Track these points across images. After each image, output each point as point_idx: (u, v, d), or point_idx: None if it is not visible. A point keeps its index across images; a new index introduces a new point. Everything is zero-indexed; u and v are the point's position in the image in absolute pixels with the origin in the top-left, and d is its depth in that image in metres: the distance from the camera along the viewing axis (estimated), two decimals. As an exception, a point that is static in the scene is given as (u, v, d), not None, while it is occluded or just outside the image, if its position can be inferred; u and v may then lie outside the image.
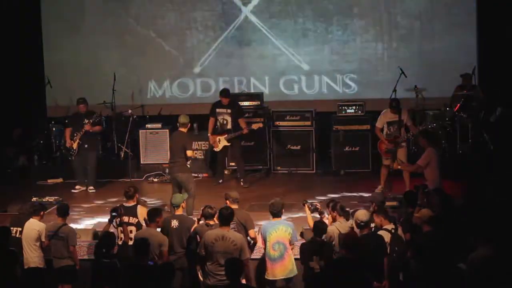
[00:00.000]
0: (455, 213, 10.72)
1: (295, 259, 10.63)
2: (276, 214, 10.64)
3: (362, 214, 10.27)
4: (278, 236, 10.49)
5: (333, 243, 10.40)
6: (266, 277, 10.56)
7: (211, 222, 10.69)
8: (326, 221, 10.86)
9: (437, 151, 12.88)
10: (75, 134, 14.74)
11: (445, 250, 9.70)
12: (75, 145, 14.71)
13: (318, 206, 11.14)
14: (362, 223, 10.18)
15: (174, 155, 12.92)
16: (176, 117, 16.76)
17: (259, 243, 10.70)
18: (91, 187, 14.93)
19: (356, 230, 10.35)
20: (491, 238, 9.21)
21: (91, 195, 14.72)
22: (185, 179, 12.71)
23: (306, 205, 11.14)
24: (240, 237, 10.20)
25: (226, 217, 10.20)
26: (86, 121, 14.72)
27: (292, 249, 10.61)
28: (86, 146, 14.75)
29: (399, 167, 13.16)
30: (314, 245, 10.33)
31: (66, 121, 15.52)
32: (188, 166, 12.93)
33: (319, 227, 10.42)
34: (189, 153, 12.78)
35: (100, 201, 14.22)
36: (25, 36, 17.35)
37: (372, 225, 10.60)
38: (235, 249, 9.96)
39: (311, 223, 10.86)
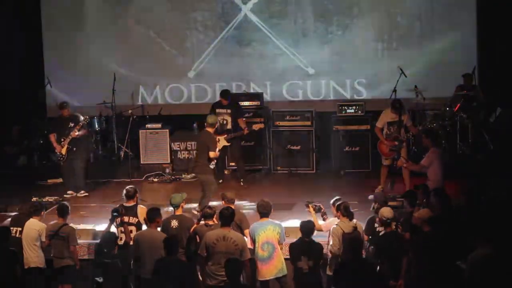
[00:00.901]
0: (454, 213, 10.72)
1: (285, 259, 10.65)
2: (265, 214, 10.64)
3: (387, 211, 10.28)
4: (267, 236, 10.49)
5: (339, 241, 10.42)
6: (257, 277, 10.56)
7: (210, 222, 10.69)
8: (329, 221, 10.85)
9: (441, 151, 12.86)
10: (62, 140, 14.40)
11: (445, 250, 9.71)
12: (64, 151, 14.38)
13: (322, 206, 11.13)
14: (388, 220, 10.19)
15: (198, 155, 13.03)
16: (176, 117, 16.98)
17: (248, 243, 10.68)
18: (82, 192, 14.60)
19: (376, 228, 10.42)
20: (491, 238, 9.21)
21: (91, 195, 14.67)
22: (205, 180, 12.73)
23: (310, 206, 11.12)
24: (241, 237, 10.22)
25: (227, 217, 10.21)
26: (72, 124, 14.36)
27: (281, 248, 10.62)
28: (74, 149, 14.42)
29: (404, 165, 13.11)
30: (303, 245, 10.33)
31: (47, 130, 15.18)
32: (211, 167, 12.90)
33: (307, 226, 10.41)
34: (211, 154, 12.73)
35: (100, 201, 14.19)
36: (25, 36, 17.34)
37: (377, 224, 10.62)
38: (237, 249, 9.97)
39: (317, 224, 10.87)
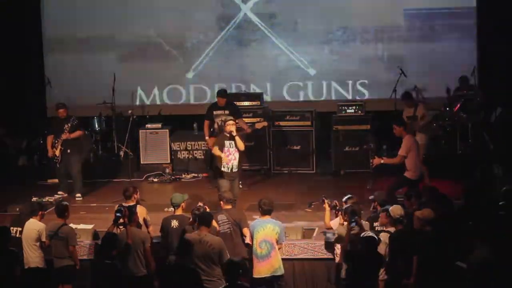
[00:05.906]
0: (454, 213, 10.73)
1: (283, 259, 10.69)
2: (266, 212, 10.63)
3: (398, 209, 10.25)
4: (265, 235, 10.49)
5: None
6: (253, 275, 10.53)
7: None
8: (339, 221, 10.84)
9: (414, 137, 12.76)
10: (55, 142, 14.22)
11: (444, 249, 9.72)
12: (57, 152, 14.16)
13: (337, 203, 11.02)
14: (400, 218, 10.16)
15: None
16: (176, 117, 16.96)
17: (247, 239, 10.67)
18: (78, 195, 14.39)
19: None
20: (491, 238, 9.21)
21: (91, 195, 14.64)
22: None
23: (326, 202, 11.04)
24: (218, 239, 10.07)
25: (203, 220, 10.12)
26: (66, 126, 14.18)
27: (279, 248, 10.63)
28: (68, 151, 14.20)
29: (381, 161, 12.71)
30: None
31: (46, 132, 14.94)
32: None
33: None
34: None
35: (100, 201, 14.19)
36: (25, 36, 17.34)
37: (376, 223, 10.61)
38: (214, 252, 9.88)
39: (328, 220, 10.91)
